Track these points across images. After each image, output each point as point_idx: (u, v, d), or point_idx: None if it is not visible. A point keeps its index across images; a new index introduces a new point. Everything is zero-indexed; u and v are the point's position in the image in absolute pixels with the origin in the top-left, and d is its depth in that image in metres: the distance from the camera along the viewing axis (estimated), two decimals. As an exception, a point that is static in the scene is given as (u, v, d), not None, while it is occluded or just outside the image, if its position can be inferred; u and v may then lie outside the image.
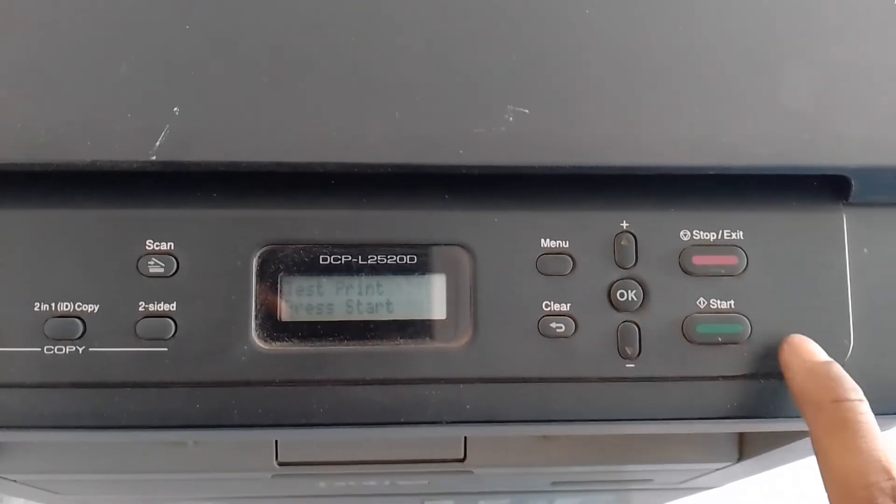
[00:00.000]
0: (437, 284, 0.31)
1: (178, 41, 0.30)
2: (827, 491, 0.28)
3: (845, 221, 0.31)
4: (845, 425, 0.27)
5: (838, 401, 0.28)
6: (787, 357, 0.30)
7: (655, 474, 0.43)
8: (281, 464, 0.38)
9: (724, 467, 0.41)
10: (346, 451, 0.38)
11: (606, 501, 0.55)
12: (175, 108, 0.29)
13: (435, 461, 0.38)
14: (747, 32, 0.31)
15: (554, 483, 0.44)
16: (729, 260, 0.31)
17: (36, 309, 0.29)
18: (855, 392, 0.28)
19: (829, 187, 0.31)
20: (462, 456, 0.38)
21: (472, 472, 0.39)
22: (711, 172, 0.30)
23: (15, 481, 0.40)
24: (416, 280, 0.31)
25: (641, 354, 0.30)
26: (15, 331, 0.29)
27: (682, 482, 0.46)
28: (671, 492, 0.50)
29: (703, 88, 0.31)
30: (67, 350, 0.29)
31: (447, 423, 0.30)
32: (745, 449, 0.39)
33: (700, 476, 0.44)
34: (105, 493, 0.44)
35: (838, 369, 0.29)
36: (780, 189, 0.31)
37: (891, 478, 0.26)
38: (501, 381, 0.30)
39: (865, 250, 0.32)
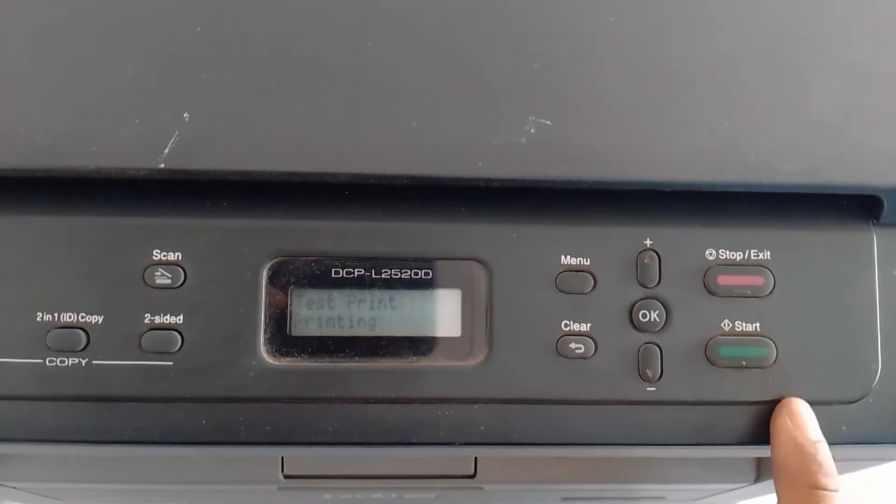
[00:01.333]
0: (452, 300, 0.30)
1: (188, 47, 0.29)
2: None
3: (875, 242, 0.30)
4: None
5: (815, 488, 0.28)
6: (779, 422, 0.29)
7: (667, 492, 0.42)
8: (287, 476, 0.37)
9: (739, 488, 0.40)
10: (353, 464, 0.37)
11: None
12: (185, 115, 0.28)
13: (444, 477, 0.37)
14: (775, 44, 0.30)
15: (564, 499, 0.43)
16: (755, 280, 0.30)
17: (38, 319, 0.28)
18: (833, 482, 0.28)
19: (859, 206, 0.30)
20: (472, 472, 0.37)
21: (481, 489, 0.38)
22: (736, 190, 0.29)
23: (15, 488, 0.39)
24: (429, 295, 0.30)
25: (663, 377, 0.29)
26: (16, 342, 0.28)
27: (695, 501, 0.45)
28: (683, 508, 0.49)
29: (729, 102, 0.29)
30: (70, 362, 0.28)
31: (460, 444, 0.29)
32: (763, 469, 0.38)
33: (714, 495, 0.43)
34: (107, 502, 0.44)
35: (824, 454, 0.28)
36: (809, 207, 0.30)
37: None
38: (517, 402, 0.29)
39: (895, 273, 0.30)
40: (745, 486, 0.39)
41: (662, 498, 0.44)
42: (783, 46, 0.30)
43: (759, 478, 0.38)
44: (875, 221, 0.30)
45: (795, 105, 0.30)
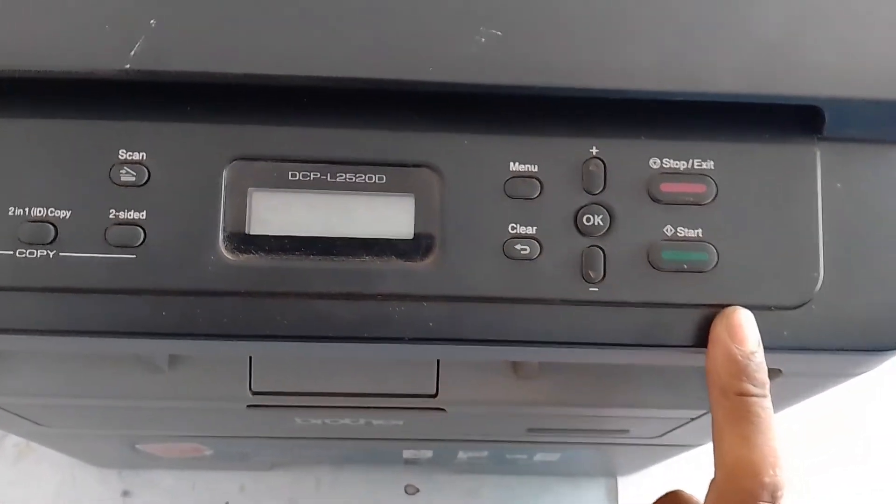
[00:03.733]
0: (405, 204, 0.31)
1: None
2: (716, 469, 0.30)
3: (819, 155, 0.31)
4: (745, 417, 0.29)
5: (743, 395, 0.29)
6: (717, 330, 0.30)
7: (631, 423, 0.43)
8: (254, 393, 0.38)
9: (698, 416, 0.40)
10: (319, 382, 0.38)
11: (588, 459, 0.55)
12: (151, 21, 0.29)
13: (406, 395, 0.38)
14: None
15: (529, 430, 0.44)
16: (698, 188, 0.31)
17: (10, 213, 0.30)
18: (761, 388, 0.30)
19: (802, 120, 0.31)
20: (434, 391, 0.38)
21: (444, 411, 0.39)
22: (679, 99, 0.30)
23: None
24: (383, 199, 0.31)
25: (605, 279, 0.30)
26: (-11, 235, 0.30)
27: (659, 435, 0.45)
28: (653, 448, 0.50)
29: (675, 16, 0.30)
30: (39, 254, 0.30)
31: (410, 340, 0.30)
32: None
33: (677, 427, 0.43)
34: (85, 426, 0.45)
35: (756, 364, 0.30)
36: (754, 120, 0.31)
37: (775, 473, 0.29)
38: (465, 299, 0.30)
39: (839, 185, 0.31)
40: (703, 415, 0.40)
41: (626, 431, 0.44)
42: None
43: (716, 404, 0.39)
44: (819, 135, 0.31)
45: (740, 20, 0.31)
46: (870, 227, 0.31)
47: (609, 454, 0.55)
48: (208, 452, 0.52)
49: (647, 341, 0.31)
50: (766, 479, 0.29)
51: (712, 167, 0.31)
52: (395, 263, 0.30)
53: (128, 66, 0.29)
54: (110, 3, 0.30)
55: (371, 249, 0.31)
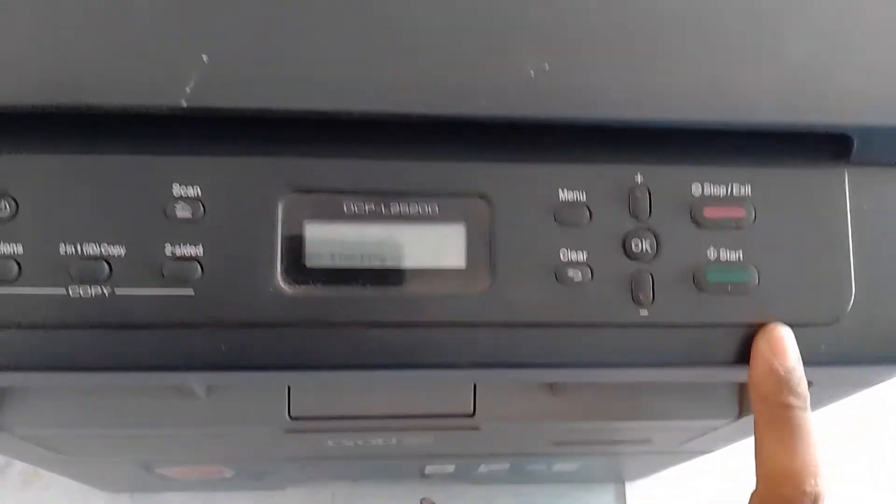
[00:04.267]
0: (457, 233, 0.31)
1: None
2: (757, 479, 0.32)
3: (847, 179, 0.33)
4: (787, 427, 0.31)
5: (784, 405, 0.31)
6: (759, 346, 0.31)
7: (654, 433, 0.44)
8: (293, 418, 0.38)
9: (722, 425, 0.42)
10: (356, 405, 0.39)
11: (602, 467, 0.57)
12: (203, 56, 0.30)
13: (444, 416, 0.39)
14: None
15: (556, 444, 0.45)
16: (737, 212, 0.32)
17: (62, 252, 0.30)
18: (802, 401, 0.31)
19: (832, 146, 0.33)
20: (471, 411, 0.39)
21: (478, 429, 0.40)
22: (719, 128, 0.32)
23: (21, 437, 0.40)
24: (436, 228, 0.31)
25: (654, 302, 0.31)
26: (40, 272, 0.29)
27: (679, 444, 0.47)
28: (667, 456, 0.52)
29: (714, 48, 0.32)
30: (93, 292, 0.30)
31: (464, 366, 0.31)
32: (745, 406, 0.41)
33: (697, 437, 0.45)
34: (111, 454, 0.45)
35: (797, 378, 0.31)
36: (787, 146, 0.33)
37: (816, 483, 0.30)
38: (518, 325, 0.31)
39: (865, 207, 0.33)
40: (728, 423, 0.41)
41: (648, 441, 0.46)
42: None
43: (741, 414, 0.41)
44: (846, 160, 0.33)
45: (775, 50, 0.32)
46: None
47: (622, 462, 0.56)
48: (228, 474, 0.52)
49: (695, 360, 0.32)
50: (808, 489, 0.30)
51: (750, 192, 0.32)
52: (449, 291, 0.31)
53: (184, 102, 0.29)
54: (161, 38, 0.30)
55: (425, 278, 0.31)
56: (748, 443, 0.47)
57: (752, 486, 0.32)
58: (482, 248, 0.31)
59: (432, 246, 0.31)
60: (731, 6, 0.32)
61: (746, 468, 0.33)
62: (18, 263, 0.29)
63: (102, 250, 0.30)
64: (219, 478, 0.53)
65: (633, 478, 0.63)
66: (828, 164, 0.33)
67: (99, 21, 0.29)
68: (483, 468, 0.53)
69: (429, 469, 0.53)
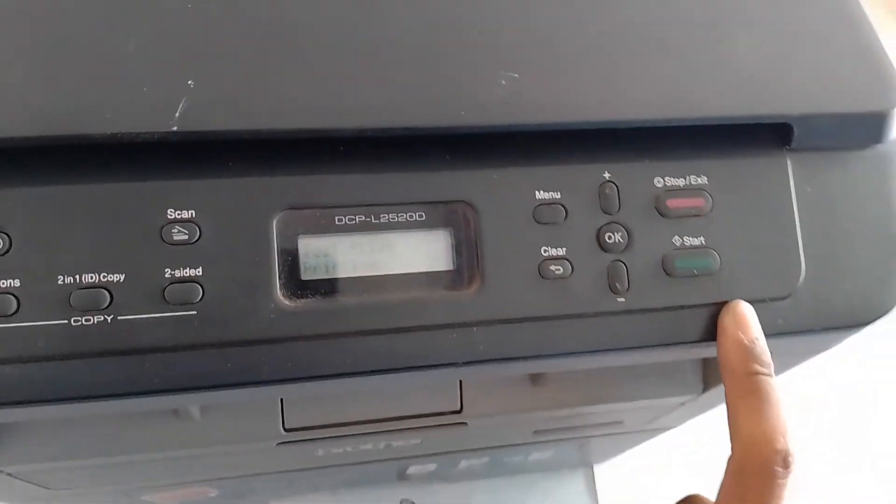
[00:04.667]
0: (445, 238, 0.33)
1: (190, 12, 0.31)
2: (732, 444, 0.34)
3: (790, 165, 0.36)
4: (755, 393, 0.34)
5: (751, 373, 0.34)
6: (724, 322, 0.34)
7: (626, 414, 0.47)
8: (287, 430, 0.39)
9: (689, 400, 0.45)
10: (349, 412, 0.40)
11: (573, 453, 0.59)
12: (189, 81, 0.30)
13: (434, 414, 0.40)
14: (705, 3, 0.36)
15: (536, 432, 0.48)
16: (697, 202, 0.35)
17: (60, 282, 0.30)
18: (767, 368, 0.34)
19: (775, 135, 0.36)
20: (458, 407, 0.41)
21: (466, 424, 0.42)
22: (676, 124, 0.34)
23: (9, 475, 0.39)
24: (425, 235, 0.33)
25: (630, 289, 0.34)
26: (39, 305, 0.30)
27: (647, 422, 0.50)
28: (634, 436, 0.55)
29: (666, 50, 0.35)
30: (95, 319, 0.30)
31: (462, 364, 0.33)
32: (709, 381, 0.44)
33: (665, 414, 0.48)
34: (100, 484, 0.44)
35: (761, 347, 0.34)
36: (737, 137, 0.36)
37: (786, 441, 0.33)
38: (509, 321, 0.33)
39: (808, 189, 0.36)
40: (694, 398, 0.44)
41: (620, 422, 0.48)
42: (713, 4, 0.36)
43: (706, 388, 0.44)
44: (788, 147, 0.36)
45: (722, 52, 0.35)
46: (838, 223, 0.36)
47: (591, 444, 0.59)
48: (213, 494, 0.52)
49: (670, 341, 0.34)
50: (778, 447, 0.33)
51: (707, 182, 0.35)
52: (441, 294, 0.33)
53: (175, 127, 0.30)
54: (149, 65, 0.30)
55: (418, 283, 0.33)
56: (704, 416, 0.50)
57: (713, 454, 0.35)
58: (469, 251, 0.33)
59: (422, 252, 0.33)
60: (681, 14, 0.35)
61: (708, 443, 0.36)
62: (16, 297, 0.30)
63: (101, 278, 0.30)
64: (203, 499, 0.53)
65: (601, 460, 0.66)
66: (772, 152, 0.36)
67: (86, 51, 0.30)
68: (463, 464, 0.55)
69: (411, 469, 0.55)
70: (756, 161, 0.36)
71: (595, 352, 0.34)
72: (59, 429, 0.37)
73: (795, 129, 0.36)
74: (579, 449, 0.59)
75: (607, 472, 0.65)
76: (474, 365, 0.33)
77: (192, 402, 0.35)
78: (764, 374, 0.34)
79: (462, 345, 0.33)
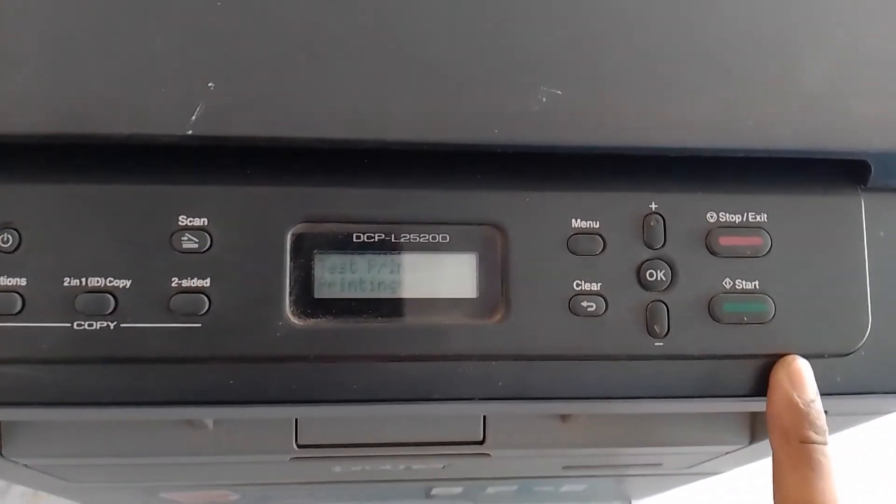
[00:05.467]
0: (469, 263, 0.31)
1: (215, 14, 0.30)
2: None
3: (863, 205, 0.32)
4: (807, 462, 0.30)
5: (805, 442, 0.30)
6: (778, 378, 0.31)
7: (665, 458, 0.44)
8: (300, 446, 0.38)
9: (734, 450, 0.41)
10: (364, 433, 0.38)
11: (610, 486, 0.56)
12: (210, 84, 0.29)
13: (454, 443, 0.38)
14: (774, 22, 0.32)
15: (565, 468, 0.45)
16: (754, 241, 0.32)
17: (66, 284, 0.29)
18: (822, 436, 0.31)
19: (848, 172, 0.32)
20: (481, 438, 0.38)
21: (489, 455, 0.39)
22: (735, 155, 0.31)
23: (26, 465, 0.39)
24: (448, 258, 0.31)
25: (670, 333, 0.31)
26: (45, 305, 0.29)
27: (689, 466, 0.46)
28: (677, 477, 0.51)
29: (729, 75, 0.31)
30: (99, 325, 0.29)
31: (479, 399, 0.30)
32: (757, 431, 0.40)
33: (709, 460, 0.44)
34: (116, 481, 0.44)
35: (817, 412, 0.31)
36: (803, 172, 0.32)
37: None
38: (532, 358, 0.30)
39: (882, 234, 0.32)
40: (740, 449, 0.41)
41: (659, 464, 0.45)
42: (781, 24, 0.32)
43: (753, 439, 0.40)
44: (863, 186, 0.32)
45: (790, 78, 0.31)
46: (913, 274, 0.32)
47: (629, 481, 0.56)
48: (234, 497, 0.51)
49: (710, 392, 0.31)
50: None
51: (766, 220, 0.32)
52: (462, 322, 0.30)
53: (190, 131, 0.28)
54: (167, 66, 0.29)
55: (437, 309, 0.31)
56: (759, 462, 0.47)
57: (762, 498, 0.31)
58: (495, 278, 0.31)
59: (444, 275, 0.31)
60: (746, 34, 0.32)
61: (757, 489, 0.32)
62: (22, 297, 0.29)
63: (108, 283, 0.29)
64: (223, 502, 0.52)
65: (641, 496, 0.62)
66: (844, 191, 0.32)
67: (104, 49, 0.29)
68: (490, 490, 0.52)
69: (435, 490, 0.53)
70: (824, 200, 0.32)
71: (625, 397, 0.31)
72: (72, 426, 0.37)
73: (873, 168, 0.32)
74: (616, 484, 0.56)
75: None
76: (492, 401, 0.31)
77: (194, 416, 0.34)
78: (818, 441, 0.31)
79: (480, 379, 0.30)
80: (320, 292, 0.30)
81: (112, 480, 0.44)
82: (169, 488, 0.48)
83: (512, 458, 0.41)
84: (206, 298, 0.29)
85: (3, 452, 0.37)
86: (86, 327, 0.29)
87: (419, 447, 0.39)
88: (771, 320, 0.31)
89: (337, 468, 0.42)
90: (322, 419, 0.38)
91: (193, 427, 0.37)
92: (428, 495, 0.55)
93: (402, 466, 0.42)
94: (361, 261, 0.31)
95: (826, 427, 0.31)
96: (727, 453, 0.42)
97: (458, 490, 0.53)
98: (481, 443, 0.38)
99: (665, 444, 0.40)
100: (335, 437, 0.38)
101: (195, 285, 0.29)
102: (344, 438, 0.38)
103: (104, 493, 0.50)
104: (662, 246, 0.31)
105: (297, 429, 0.38)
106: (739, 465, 0.47)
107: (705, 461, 0.45)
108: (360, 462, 0.41)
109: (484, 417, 0.38)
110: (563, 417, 0.39)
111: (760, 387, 0.31)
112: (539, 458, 0.42)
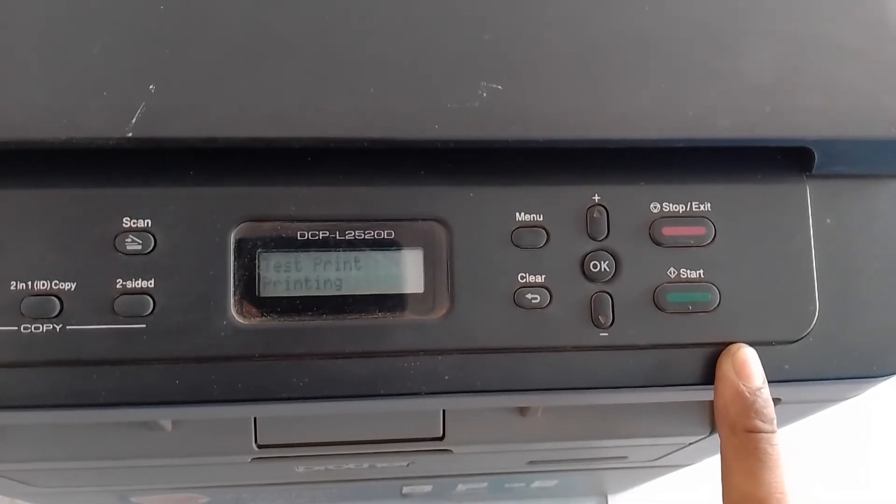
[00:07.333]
0: (414, 259, 0.31)
1: (152, 17, 0.30)
2: None
3: (809, 192, 0.32)
4: (753, 453, 0.30)
5: (752, 431, 0.30)
6: (723, 368, 0.31)
7: (629, 450, 0.44)
8: (260, 446, 0.38)
9: (696, 441, 0.41)
10: (324, 431, 0.38)
11: (583, 482, 0.56)
12: (151, 86, 0.29)
13: (414, 440, 0.38)
14: (713, 13, 0.32)
15: (530, 462, 0.45)
16: (697, 231, 0.32)
17: (12, 288, 0.29)
18: (770, 424, 0.31)
19: (793, 159, 0.32)
20: (441, 434, 0.38)
21: (450, 451, 0.39)
22: (677, 145, 0.31)
23: (-10, 471, 0.39)
24: (393, 255, 0.31)
25: (615, 323, 0.31)
26: (-9, 311, 0.29)
27: (656, 459, 0.47)
28: (647, 470, 0.51)
29: (670, 66, 0.31)
30: (45, 328, 0.29)
31: (426, 394, 0.31)
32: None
33: (674, 452, 0.44)
34: (81, 485, 0.44)
35: (764, 401, 0.31)
36: (746, 161, 0.32)
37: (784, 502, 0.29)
38: (478, 351, 0.31)
39: (829, 220, 0.33)
40: (702, 439, 0.41)
41: (624, 457, 0.45)
42: (722, 13, 0.32)
43: (714, 429, 0.40)
44: (808, 173, 0.33)
45: (732, 68, 0.32)
46: (860, 259, 0.32)
47: (602, 476, 0.56)
48: (204, 500, 0.51)
49: (657, 382, 0.31)
50: None
51: (709, 209, 0.32)
52: (408, 318, 0.31)
53: (130, 133, 0.29)
54: (107, 69, 0.29)
55: (383, 305, 0.31)
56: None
57: None
58: (440, 273, 0.31)
59: (389, 272, 0.31)
60: (686, 23, 0.32)
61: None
62: (-33, 302, 0.29)
63: (53, 286, 0.29)
64: (194, 504, 0.52)
65: (616, 491, 0.62)
66: (789, 179, 0.33)
67: (43, 54, 0.29)
68: (461, 487, 0.52)
69: (406, 489, 0.53)
70: (769, 188, 0.32)
71: (573, 388, 0.31)
72: (27, 430, 0.37)
73: (817, 155, 0.32)
74: (589, 479, 0.56)
75: (623, 501, 0.62)
76: (439, 396, 0.31)
77: (141, 418, 0.34)
78: (765, 430, 0.31)
79: (427, 373, 0.31)
80: (265, 291, 0.30)
81: (77, 485, 0.44)
82: (137, 492, 0.48)
83: (474, 453, 0.41)
84: (150, 299, 0.29)
85: (-40, 458, 0.37)
86: (32, 330, 0.29)
87: (379, 444, 0.39)
88: (716, 309, 0.31)
89: (300, 468, 0.42)
90: (282, 419, 0.38)
91: (151, 429, 0.37)
92: (401, 494, 0.55)
93: (365, 465, 0.42)
94: (306, 259, 0.31)
95: (774, 416, 0.31)
96: (691, 444, 0.42)
97: (428, 489, 0.53)
98: (441, 439, 0.38)
99: (625, 437, 0.40)
100: (295, 437, 0.38)
101: (139, 286, 0.29)
102: (304, 438, 0.38)
103: (75, 498, 0.50)
104: (606, 237, 0.31)
105: (256, 429, 0.38)
106: (708, 456, 0.47)
107: (670, 453, 0.45)
108: (323, 461, 0.41)
109: (444, 413, 0.39)
110: (522, 411, 0.39)
111: (709, 376, 0.32)
112: (502, 454, 0.43)
